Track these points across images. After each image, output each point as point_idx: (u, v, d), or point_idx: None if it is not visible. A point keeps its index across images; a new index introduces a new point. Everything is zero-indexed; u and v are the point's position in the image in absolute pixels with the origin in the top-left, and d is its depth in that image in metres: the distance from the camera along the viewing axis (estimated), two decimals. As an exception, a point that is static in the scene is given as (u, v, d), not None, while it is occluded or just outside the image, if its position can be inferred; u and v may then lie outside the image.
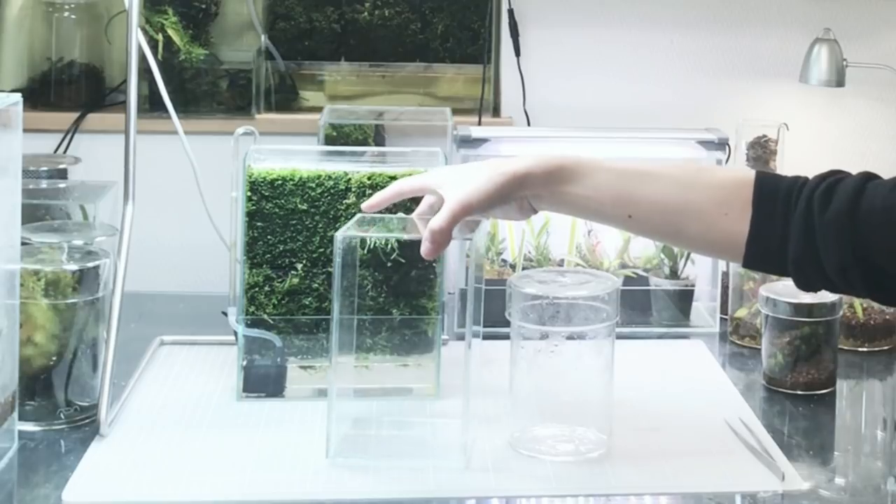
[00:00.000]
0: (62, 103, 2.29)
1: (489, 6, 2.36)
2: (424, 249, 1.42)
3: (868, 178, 1.35)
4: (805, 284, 1.39)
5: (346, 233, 1.50)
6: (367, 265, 1.61)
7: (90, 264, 1.59)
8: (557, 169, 1.42)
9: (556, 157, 1.43)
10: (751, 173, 1.40)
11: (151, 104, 2.16)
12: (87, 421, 1.58)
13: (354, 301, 1.56)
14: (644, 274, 2.05)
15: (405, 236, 1.55)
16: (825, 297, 1.77)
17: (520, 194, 1.43)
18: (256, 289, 1.68)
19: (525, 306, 1.53)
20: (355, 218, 1.56)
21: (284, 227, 1.68)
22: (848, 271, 1.32)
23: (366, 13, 2.39)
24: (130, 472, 1.45)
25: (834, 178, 1.36)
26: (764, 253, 1.37)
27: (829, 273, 1.34)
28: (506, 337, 1.58)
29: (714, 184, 1.40)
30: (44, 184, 2.01)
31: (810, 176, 1.38)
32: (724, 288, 2.04)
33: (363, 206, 1.55)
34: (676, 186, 1.40)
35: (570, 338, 1.53)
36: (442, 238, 1.41)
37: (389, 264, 1.62)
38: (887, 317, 1.96)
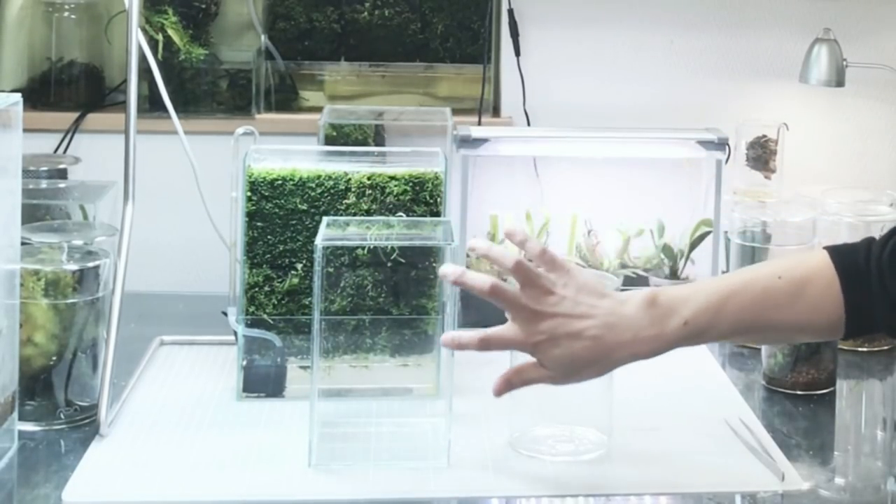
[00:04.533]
0: (62, 103, 2.29)
1: (489, 6, 2.36)
2: (497, 387, 1.42)
3: None
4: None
5: (325, 241, 1.51)
6: (367, 265, 1.61)
7: (90, 264, 1.59)
8: (669, 347, 1.39)
9: (673, 333, 1.37)
10: (832, 266, 1.39)
11: (151, 104, 2.16)
12: (87, 421, 1.58)
13: (338, 302, 1.57)
14: (644, 274, 2.05)
15: (396, 243, 1.56)
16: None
17: None
18: (256, 289, 1.68)
19: (525, 306, 1.53)
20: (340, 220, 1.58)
21: (284, 227, 1.68)
22: None
23: (366, 13, 2.39)
24: (130, 472, 1.45)
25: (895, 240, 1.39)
26: (863, 324, 1.40)
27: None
28: (506, 337, 1.57)
29: (811, 300, 1.39)
30: (44, 184, 2.01)
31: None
32: (724, 288, 2.04)
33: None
34: (780, 315, 1.39)
35: (570, 338, 1.52)
36: (514, 386, 1.41)
37: (389, 264, 1.62)
38: (887, 317, 1.96)
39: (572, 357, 1.36)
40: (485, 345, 1.39)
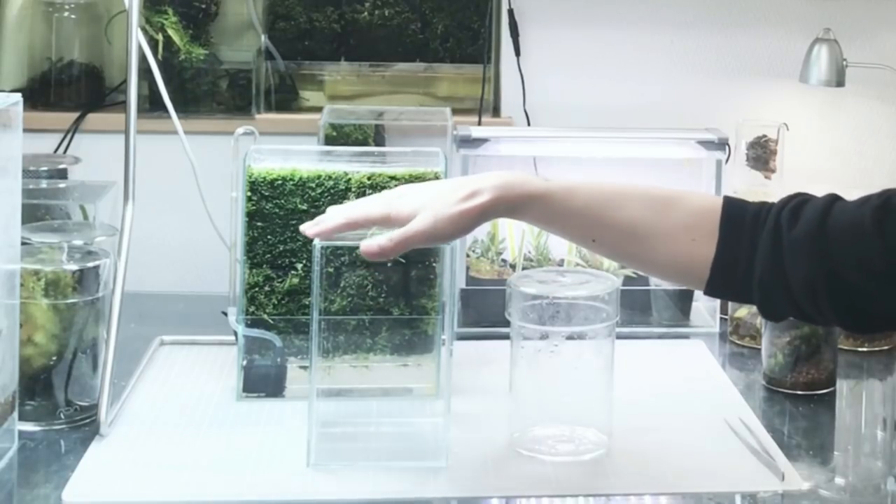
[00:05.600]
0: (62, 103, 2.29)
1: (489, 6, 2.36)
2: (367, 248, 1.39)
3: (835, 198, 1.36)
4: (770, 310, 1.36)
5: (323, 241, 1.50)
6: (367, 265, 1.61)
7: (90, 264, 1.59)
8: (522, 199, 1.38)
9: (521, 184, 1.38)
10: (719, 199, 1.39)
11: (151, 104, 2.16)
12: (87, 421, 1.58)
13: (338, 302, 1.56)
14: (644, 274, 2.05)
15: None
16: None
17: (482, 223, 1.42)
18: (256, 289, 1.68)
19: (525, 306, 1.53)
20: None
21: (284, 227, 1.68)
22: (816, 291, 1.30)
23: (366, 13, 2.39)
24: (130, 472, 1.45)
25: (801, 199, 1.35)
26: (729, 277, 1.35)
27: (795, 295, 1.32)
28: (506, 337, 1.58)
29: (684, 210, 1.38)
30: (44, 184, 2.01)
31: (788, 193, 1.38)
32: (724, 288, 2.04)
33: (303, 228, 1.46)
34: (645, 211, 1.38)
35: (570, 338, 1.53)
36: (390, 254, 1.39)
37: (389, 264, 1.62)
38: (887, 317, 1.96)
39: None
40: (384, 252, 1.39)
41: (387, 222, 1.40)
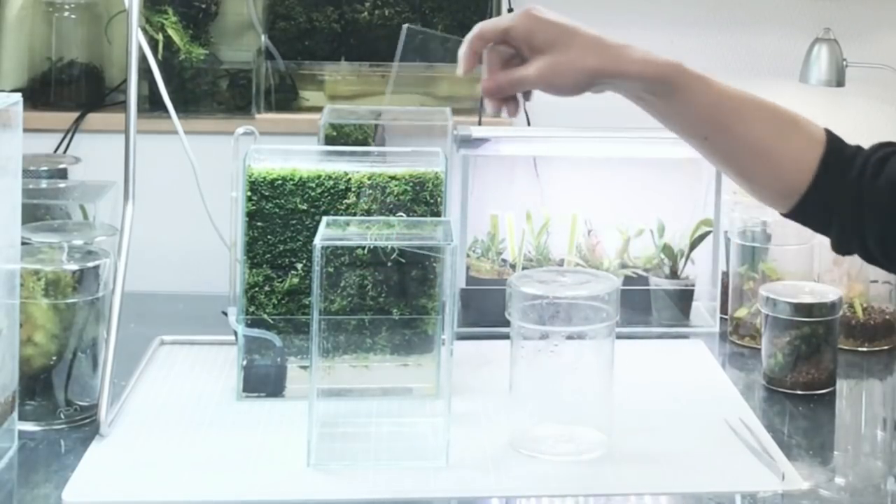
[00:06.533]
0: (62, 103, 2.29)
1: (489, 6, 2.35)
2: (488, 88, 1.37)
3: None
4: (842, 248, 1.39)
5: (323, 241, 1.51)
6: (367, 265, 1.62)
7: (90, 264, 1.59)
8: (658, 81, 1.39)
9: (661, 65, 1.39)
10: (824, 135, 1.40)
11: (151, 104, 2.15)
12: (87, 421, 1.58)
13: (338, 301, 1.56)
14: (644, 274, 2.05)
15: (389, 244, 1.56)
16: (825, 296, 1.77)
17: (609, 90, 1.42)
18: (256, 289, 1.68)
19: (525, 306, 1.53)
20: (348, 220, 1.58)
21: (284, 227, 1.68)
22: (887, 240, 1.34)
23: (366, 13, 2.39)
24: (130, 472, 1.45)
25: (891, 150, 1.37)
26: (814, 211, 1.38)
27: (869, 242, 1.35)
28: (506, 337, 1.58)
29: (798, 140, 1.40)
30: (44, 184, 2.01)
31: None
32: (724, 288, 2.04)
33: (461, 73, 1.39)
34: (768, 132, 1.40)
35: (570, 338, 1.53)
36: (503, 94, 1.37)
37: (389, 264, 1.62)
38: (887, 316, 1.96)
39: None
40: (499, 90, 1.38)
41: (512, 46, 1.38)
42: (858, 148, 1.40)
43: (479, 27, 1.38)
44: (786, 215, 1.42)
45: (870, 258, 1.39)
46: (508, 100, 1.39)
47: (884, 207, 1.33)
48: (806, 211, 1.39)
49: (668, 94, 1.39)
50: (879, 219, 1.34)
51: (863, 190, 1.35)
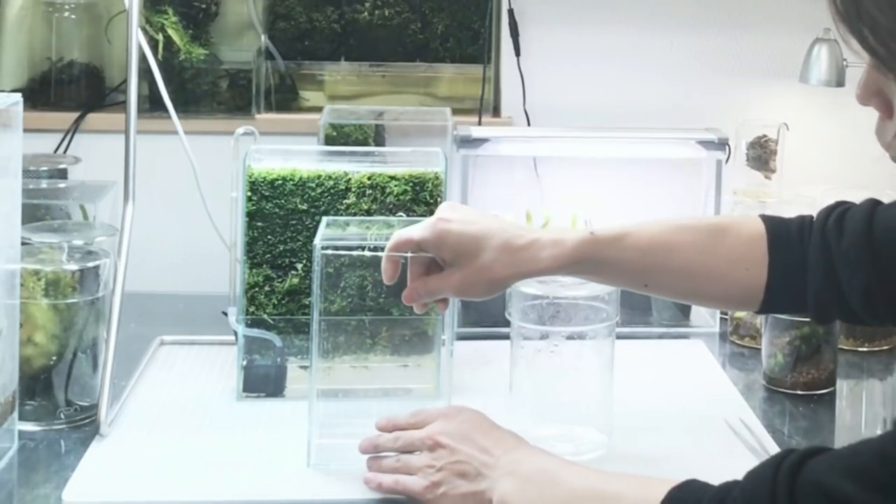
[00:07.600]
0: (62, 103, 2.29)
1: (489, 6, 2.36)
2: (407, 296, 1.46)
3: (874, 203, 1.38)
4: (825, 319, 1.42)
5: (323, 241, 1.51)
6: (367, 265, 1.61)
7: (90, 264, 1.59)
8: (572, 267, 1.41)
9: (570, 252, 1.40)
10: (761, 223, 1.41)
11: (151, 104, 2.16)
12: (87, 421, 1.58)
13: (338, 302, 1.56)
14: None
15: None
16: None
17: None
18: (256, 289, 1.68)
19: (525, 306, 1.53)
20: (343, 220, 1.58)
21: (284, 227, 1.68)
22: (872, 296, 1.33)
23: (366, 13, 2.39)
24: (130, 472, 1.45)
25: (841, 209, 1.38)
26: (783, 297, 1.39)
27: (851, 303, 1.35)
28: (506, 337, 1.58)
29: (732, 242, 1.40)
30: (44, 184, 2.01)
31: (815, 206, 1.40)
32: (724, 288, 2.04)
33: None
34: (695, 250, 1.40)
35: (570, 338, 1.53)
36: (422, 301, 1.46)
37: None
38: (887, 317, 1.96)
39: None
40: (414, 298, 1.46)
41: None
42: (801, 218, 1.40)
43: (394, 238, 1.44)
44: (759, 312, 1.44)
45: (853, 318, 1.38)
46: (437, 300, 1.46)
47: (862, 264, 1.32)
48: (776, 300, 1.40)
49: (589, 269, 1.42)
50: (858, 276, 1.33)
51: (831, 256, 1.34)
